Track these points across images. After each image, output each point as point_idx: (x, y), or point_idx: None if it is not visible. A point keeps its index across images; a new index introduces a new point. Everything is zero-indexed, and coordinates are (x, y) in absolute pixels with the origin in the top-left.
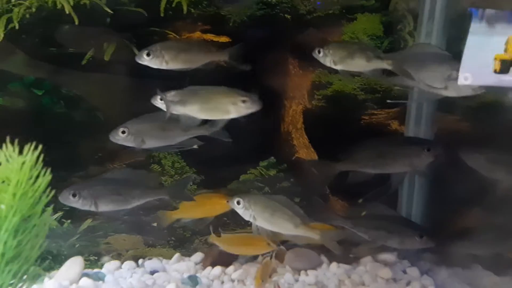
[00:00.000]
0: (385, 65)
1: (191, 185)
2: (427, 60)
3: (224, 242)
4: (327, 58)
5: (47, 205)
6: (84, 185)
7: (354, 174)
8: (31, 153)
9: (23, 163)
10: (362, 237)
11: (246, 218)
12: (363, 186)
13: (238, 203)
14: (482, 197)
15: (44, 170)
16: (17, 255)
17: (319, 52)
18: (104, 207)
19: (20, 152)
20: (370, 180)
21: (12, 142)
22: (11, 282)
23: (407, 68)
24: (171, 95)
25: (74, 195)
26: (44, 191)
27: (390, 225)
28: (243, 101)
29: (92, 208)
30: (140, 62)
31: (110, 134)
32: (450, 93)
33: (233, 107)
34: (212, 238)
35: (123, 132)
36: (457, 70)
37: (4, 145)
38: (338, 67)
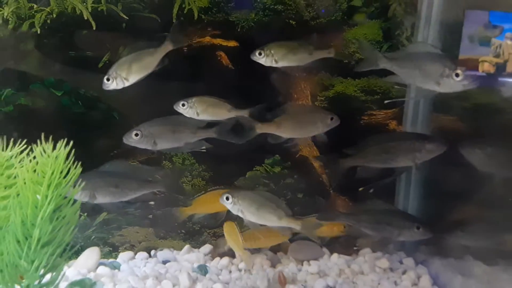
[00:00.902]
0: (326, 54)
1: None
2: (421, 58)
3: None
4: (268, 58)
5: None
6: (82, 177)
7: (360, 169)
8: (63, 148)
9: (57, 157)
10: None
11: (235, 212)
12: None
13: (227, 199)
14: (474, 192)
15: (75, 163)
16: (51, 239)
17: (260, 54)
18: (102, 199)
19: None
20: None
21: (46, 139)
22: (46, 264)
23: (405, 66)
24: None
25: (136, 135)
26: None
27: (389, 218)
28: (331, 119)
29: (91, 200)
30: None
31: (124, 137)
32: (442, 89)
33: (321, 125)
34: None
35: (136, 134)
36: (449, 68)
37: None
38: (279, 64)
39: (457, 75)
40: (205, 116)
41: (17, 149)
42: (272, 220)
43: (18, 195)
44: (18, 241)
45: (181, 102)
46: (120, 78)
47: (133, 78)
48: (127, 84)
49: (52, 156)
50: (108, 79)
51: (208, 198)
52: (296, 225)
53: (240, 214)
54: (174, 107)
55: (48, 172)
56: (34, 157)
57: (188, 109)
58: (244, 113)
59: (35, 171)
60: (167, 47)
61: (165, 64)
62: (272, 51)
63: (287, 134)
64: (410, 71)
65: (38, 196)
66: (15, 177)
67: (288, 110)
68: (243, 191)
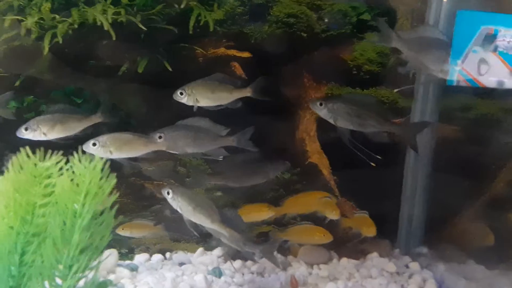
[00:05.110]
0: None
1: None
2: (429, 44)
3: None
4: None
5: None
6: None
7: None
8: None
9: (94, 167)
10: None
11: (174, 207)
12: None
13: (168, 193)
14: (477, 200)
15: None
16: (89, 245)
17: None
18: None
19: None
20: None
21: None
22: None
23: (412, 49)
24: None
25: (160, 137)
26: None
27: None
28: None
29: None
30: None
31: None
32: (444, 76)
33: None
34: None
35: (160, 137)
36: None
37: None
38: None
39: (457, 64)
40: (119, 154)
41: (55, 159)
42: (205, 222)
43: (56, 203)
44: (56, 247)
45: (92, 142)
46: (40, 132)
47: (52, 136)
48: (44, 138)
49: (89, 167)
50: (26, 129)
51: (300, 199)
52: (225, 232)
53: (178, 210)
54: (84, 147)
55: (85, 181)
56: (71, 167)
57: (99, 148)
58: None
59: (72, 180)
60: (96, 119)
61: (88, 132)
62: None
63: None
64: (417, 54)
65: (75, 205)
66: (53, 186)
67: None
68: (184, 189)
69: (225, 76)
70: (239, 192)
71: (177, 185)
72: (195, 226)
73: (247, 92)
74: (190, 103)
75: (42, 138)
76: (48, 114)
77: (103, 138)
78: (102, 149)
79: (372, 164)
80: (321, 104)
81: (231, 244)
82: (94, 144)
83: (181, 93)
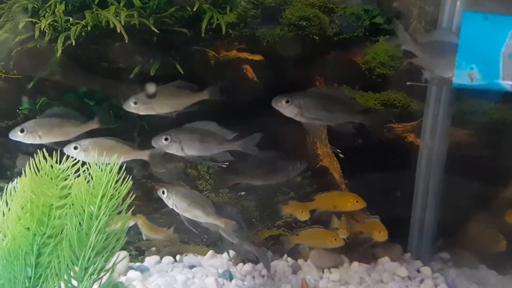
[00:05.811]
0: None
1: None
2: (443, 48)
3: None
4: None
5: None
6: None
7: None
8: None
9: (111, 170)
10: None
11: (170, 205)
12: None
13: (163, 192)
14: (489, 205)
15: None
16: (105, 247)
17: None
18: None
19: None
20: None
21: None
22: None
23: (427, 53)
24: None
25: (166, 139)
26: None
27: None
28: None
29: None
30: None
31: (152, 140)
32: (456, 80)
33: None
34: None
35: (166, 139)
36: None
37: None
38: None
39: (471, 68)
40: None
41: (71, 161)
42: (201, 216)
43: (72, 204)
44: (72, 249)
45: (73, 145)
46: (36, 134)
47: (47, 139)
48: (38, 141)
49: (106, 169)
50: (22, 131)
51: (329, 196)
52: (220, 223)
53: (174, 208)
54: (65, 150)
55: (102, 183)
56: (88, 169)
57: (80, 152)
58: (144, 155)
59: (88, 182)
60: (93, 125)
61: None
62: None
63: None
64: (431, 58)
65: (92, 206)
66: (69, 187)
67: None
68: (177, 187)
69: (182, 82)
70: (251, 194)
71: (173, 185)
72: (193, 223)
73: (204, 96)
74: (151, 112)
75: (36, 141)
76: (46, 117)
77: (85, 142)
78: (83, 153)
79: (341, 155)
80: (287, 102)
81: (228, 238)
82: (75, 148)
83: (135, 103)
